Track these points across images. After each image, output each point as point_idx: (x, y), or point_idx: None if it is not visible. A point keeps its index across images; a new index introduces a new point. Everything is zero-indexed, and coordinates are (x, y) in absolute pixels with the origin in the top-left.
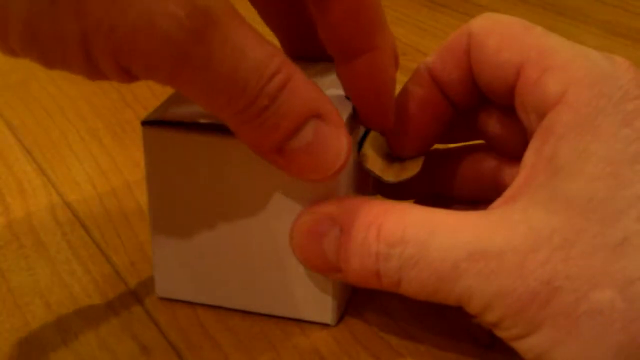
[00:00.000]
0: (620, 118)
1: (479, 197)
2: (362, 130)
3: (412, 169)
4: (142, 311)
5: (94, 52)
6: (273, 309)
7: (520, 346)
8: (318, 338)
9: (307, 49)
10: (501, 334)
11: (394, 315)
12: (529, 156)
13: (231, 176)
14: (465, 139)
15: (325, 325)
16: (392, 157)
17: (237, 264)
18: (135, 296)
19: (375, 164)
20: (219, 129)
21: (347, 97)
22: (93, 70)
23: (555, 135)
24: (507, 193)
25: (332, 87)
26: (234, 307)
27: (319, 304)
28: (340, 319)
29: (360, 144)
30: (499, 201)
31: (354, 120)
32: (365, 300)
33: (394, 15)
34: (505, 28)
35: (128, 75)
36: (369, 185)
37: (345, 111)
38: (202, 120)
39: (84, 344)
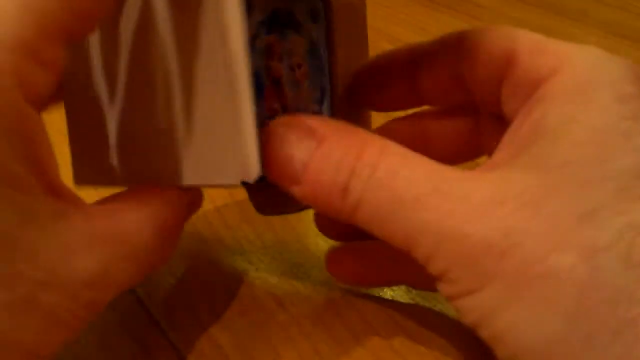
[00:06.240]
0: (616, 95)
1: (460, 158)
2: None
3: None
4: (142, 311)
5: None
6: (194, 177)
7: (464, 304)
8: (318, 338)
9: None
10: (446, 288)
11: (394, 315)
12: (516, 123)
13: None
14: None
15: (325, 325)
16: None
17: (154, 135)
18: (135, 296)
19: None
20: None
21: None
22: None
23: (545, 101)
24: (491, 159)
25: None
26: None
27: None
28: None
29: None
30: (481, 167)
31: None
32: (365, 300)
33: (394, 15)
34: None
35: None
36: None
37: None
38: None
39: (84, 344)
